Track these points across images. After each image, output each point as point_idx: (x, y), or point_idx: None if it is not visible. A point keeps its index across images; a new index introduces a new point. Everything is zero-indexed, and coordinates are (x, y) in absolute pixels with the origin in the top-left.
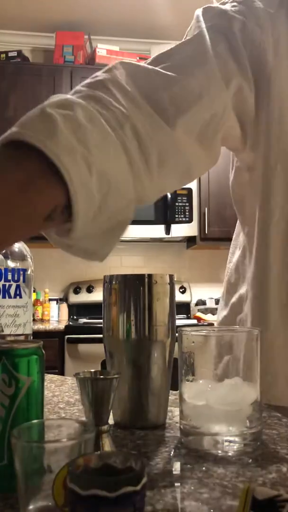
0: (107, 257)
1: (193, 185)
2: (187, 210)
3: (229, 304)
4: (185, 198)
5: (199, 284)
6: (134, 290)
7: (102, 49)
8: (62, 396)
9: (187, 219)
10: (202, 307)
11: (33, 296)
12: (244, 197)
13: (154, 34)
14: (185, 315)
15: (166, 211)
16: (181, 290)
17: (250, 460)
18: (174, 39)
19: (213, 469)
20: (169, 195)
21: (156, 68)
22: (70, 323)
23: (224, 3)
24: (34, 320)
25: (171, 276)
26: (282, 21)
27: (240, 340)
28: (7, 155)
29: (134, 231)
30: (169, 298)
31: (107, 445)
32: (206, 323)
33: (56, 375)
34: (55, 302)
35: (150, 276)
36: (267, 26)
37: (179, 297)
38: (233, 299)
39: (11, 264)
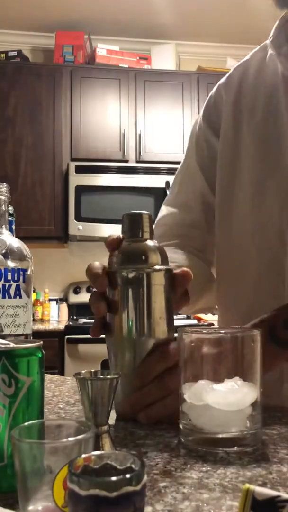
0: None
1: None
2: None
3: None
4: None
5: None
6: (134, 289)
7: (102, 49)
8: (62, 396)
9: None
10: None
11: (33, 296)
12: None
13: (154, 34)
14: (185, 315)
15: None
16: None
17: (250, 460)
18: (174, 39)
19: (213, 469)
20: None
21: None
22: (70, 323)
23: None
24: (34, 320)
25: (170, 272)
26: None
27: (240, 340)
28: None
29: None
30: (169, 297)
31: (107, 445)
32: (206, 323)
33: (56, 375)
34: (55, 302)
35: (150, 274)
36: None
37: None
38: None
39: (11, 264)
